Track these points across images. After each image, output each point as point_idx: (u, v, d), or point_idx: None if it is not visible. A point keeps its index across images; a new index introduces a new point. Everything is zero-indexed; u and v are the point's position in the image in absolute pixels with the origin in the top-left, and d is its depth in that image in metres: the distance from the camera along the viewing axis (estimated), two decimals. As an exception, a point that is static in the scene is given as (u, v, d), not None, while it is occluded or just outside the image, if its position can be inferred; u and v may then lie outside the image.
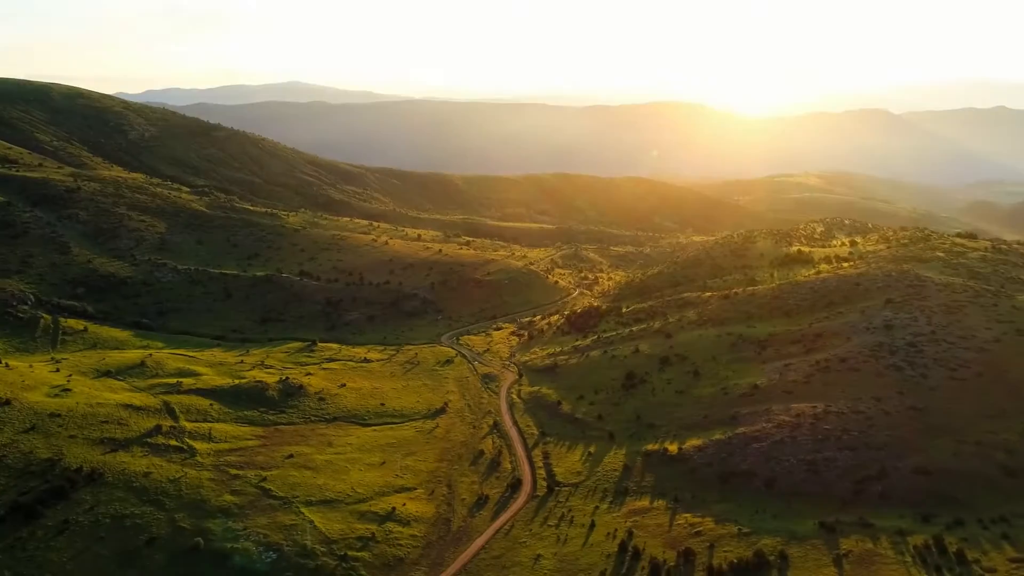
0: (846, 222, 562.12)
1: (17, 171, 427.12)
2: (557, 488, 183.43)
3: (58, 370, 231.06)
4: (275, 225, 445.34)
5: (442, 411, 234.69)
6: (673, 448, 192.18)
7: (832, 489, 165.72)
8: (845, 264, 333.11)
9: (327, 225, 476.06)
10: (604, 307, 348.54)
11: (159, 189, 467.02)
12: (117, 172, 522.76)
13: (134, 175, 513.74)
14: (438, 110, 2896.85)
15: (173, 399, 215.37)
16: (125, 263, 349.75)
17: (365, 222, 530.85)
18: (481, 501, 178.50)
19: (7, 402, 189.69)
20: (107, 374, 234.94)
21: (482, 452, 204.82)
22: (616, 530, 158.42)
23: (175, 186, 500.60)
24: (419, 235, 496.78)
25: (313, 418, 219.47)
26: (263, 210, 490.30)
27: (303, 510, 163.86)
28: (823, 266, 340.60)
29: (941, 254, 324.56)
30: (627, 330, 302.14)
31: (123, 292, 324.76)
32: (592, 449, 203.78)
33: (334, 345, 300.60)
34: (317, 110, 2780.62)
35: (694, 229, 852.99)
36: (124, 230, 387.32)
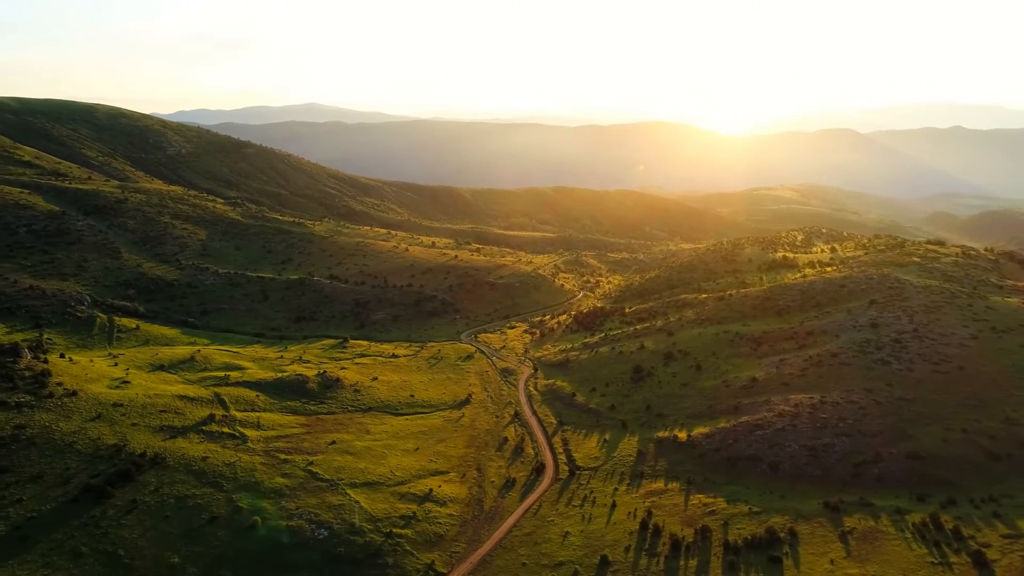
0: (823, 231, 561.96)
1: (69, 183, 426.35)
2: (578, 471, 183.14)
3: (116, 364, 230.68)
4: (304, 233, 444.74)
5: (467, 402, 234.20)
6: (682, 435, 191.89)
7: (832, 472, 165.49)
8: (828, 268, 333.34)
9: (350, 233, 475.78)
10: (608, 308, 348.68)
11: (197, 200, 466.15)
12: (158, 185, 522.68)
13: (173, 187, 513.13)
14: (444, 129, 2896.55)
15: (222, 391, 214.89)
16: (171, 267, 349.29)
17: (384, 231, 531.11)
18: (509, 483, 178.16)
19: (74, 393, 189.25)
20: (161, 368, 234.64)
21: (506, 439, 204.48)
22: (636, 510, 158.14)
23: (210, 198, 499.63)
24: (433, 242, 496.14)
25: (350, 408, 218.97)
26: (291, 219, 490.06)
27: (348, 491, 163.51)
28: (808, 270, 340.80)
29: (917, 259, 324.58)
30: (631, 328, 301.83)
31: (170, 293, 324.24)
32: (607, 436, 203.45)
33: (364, 342, 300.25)
34: (334, 129, 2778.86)
35: (682, 237, 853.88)
36: (169, 237, 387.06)
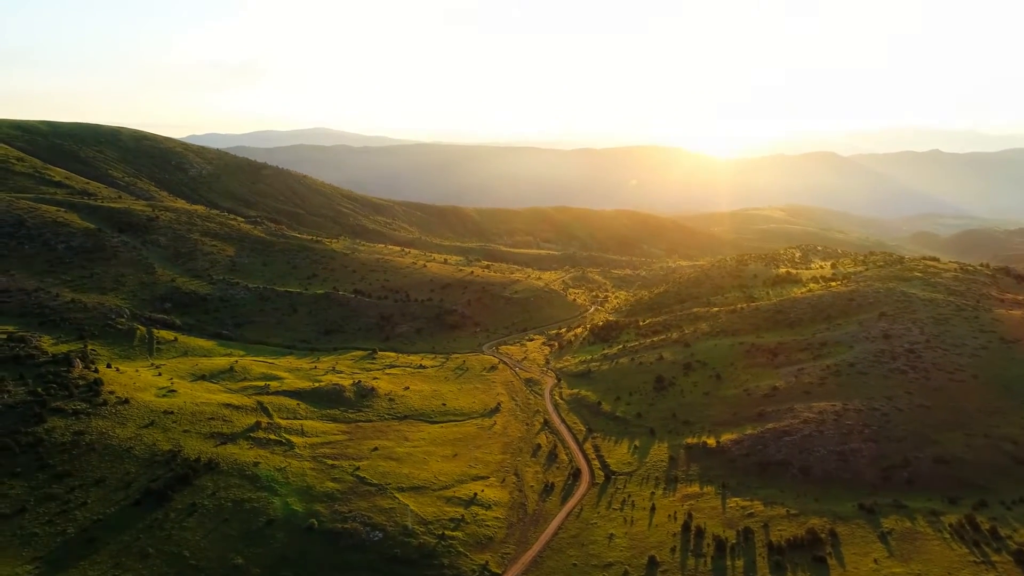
0: (818, 248, 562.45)
1: (101, 202, 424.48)
2: (613, 476, 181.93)
3: (160, 374, 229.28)
4: (325, 250, 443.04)
5: (496, 410, 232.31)
6: (711, 441, 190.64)
7: (863, 476, 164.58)
8: (833, 283, 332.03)
9: (368, 250, 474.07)
10: (622, 321, 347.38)
11: (222, 219, 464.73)
12: (182, 204, 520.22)
13: (197, 207, 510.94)
14: (446, 152, 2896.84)
15: (264, 399, 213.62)
16: (203, 282, 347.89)
17: (398, 248, 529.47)
18: (548, 488, 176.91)
19: (126, 401, 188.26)
20: (202, 378, 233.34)
21: (539, 446, 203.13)
22: (676, 512, 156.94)
23: (232, 216, 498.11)
24: (445, 259, 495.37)
25: (387, 416, 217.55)
26: (311, 237, 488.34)
27: (397, 495, 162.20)
28: (812, 285, 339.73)
29: (919, 274, 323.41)
30: (648, 340, 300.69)
31: (204, 307, 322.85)
32: (637, 443, 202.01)
33: (391, 353, 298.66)
34: (340, 152, 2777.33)
35: (679, 255, 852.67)
36: (199, 253, 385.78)
